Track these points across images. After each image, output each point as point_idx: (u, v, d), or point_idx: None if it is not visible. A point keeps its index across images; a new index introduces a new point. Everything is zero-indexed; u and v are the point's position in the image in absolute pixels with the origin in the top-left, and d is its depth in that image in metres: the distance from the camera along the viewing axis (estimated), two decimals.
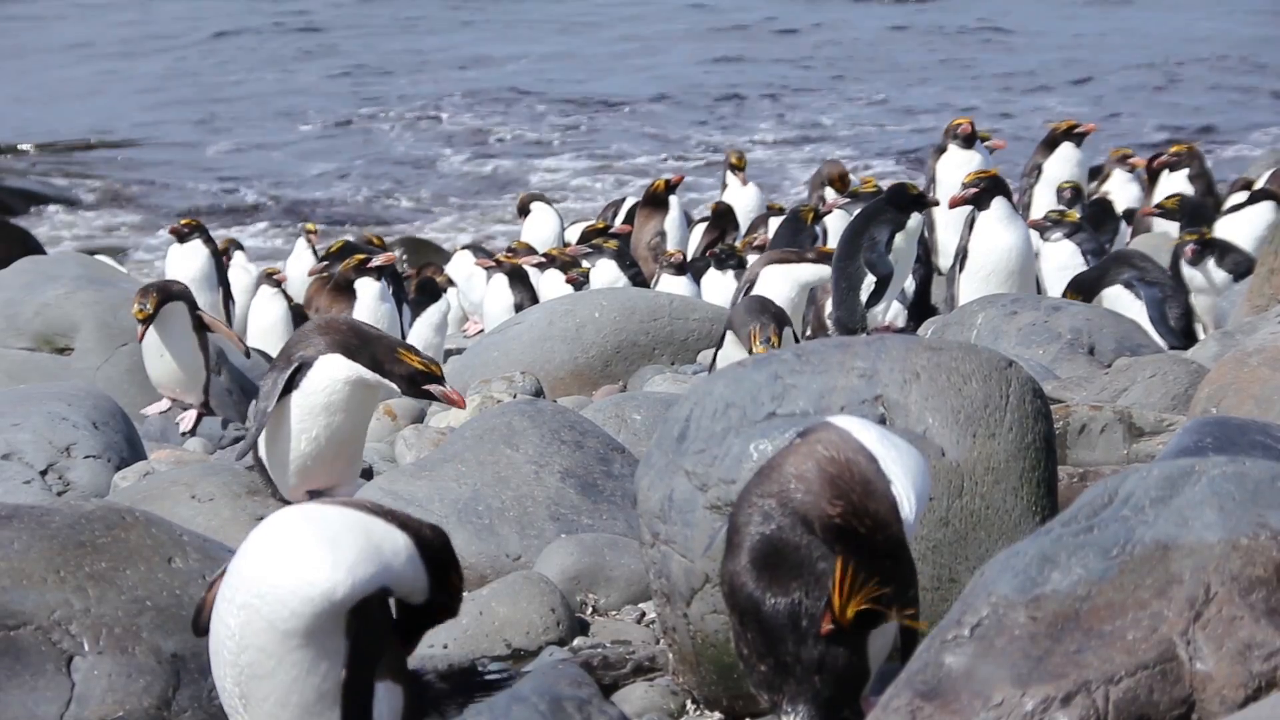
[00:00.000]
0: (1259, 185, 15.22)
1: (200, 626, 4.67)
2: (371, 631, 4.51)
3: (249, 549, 4.49)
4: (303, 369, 7.20)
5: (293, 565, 4.39)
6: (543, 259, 15.67)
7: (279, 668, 4.46)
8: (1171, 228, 13.93)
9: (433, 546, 4.57)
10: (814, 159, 26.50)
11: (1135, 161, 17.15)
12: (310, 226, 19.06)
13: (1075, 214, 12.31)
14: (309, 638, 4.42)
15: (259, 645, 4.45)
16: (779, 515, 4.41)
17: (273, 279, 16.47)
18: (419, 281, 16.52)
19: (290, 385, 7.19)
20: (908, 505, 4.34)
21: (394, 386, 7.11)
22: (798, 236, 15.18)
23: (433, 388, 7.12)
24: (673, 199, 17.08)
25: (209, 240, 15.92)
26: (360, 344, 7.13)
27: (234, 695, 4.56)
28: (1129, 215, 16.47)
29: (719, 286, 13.89)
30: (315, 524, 4.45)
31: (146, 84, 36.47)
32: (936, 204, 11.89)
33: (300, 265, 18.26)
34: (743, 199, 17.89)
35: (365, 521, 4.48)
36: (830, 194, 16.34)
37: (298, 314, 16.29)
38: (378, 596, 4.48)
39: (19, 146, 31.35)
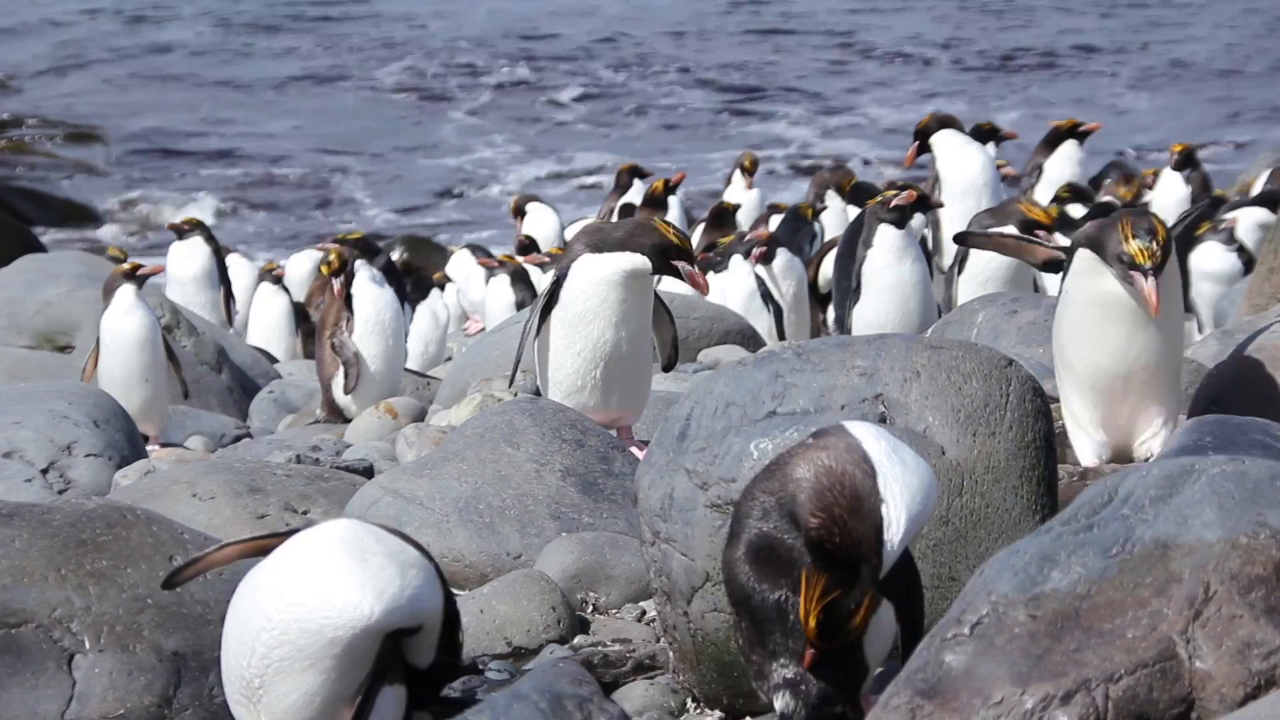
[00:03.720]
0: (1257, 189, 15.27)
1: (172, 583, 4.80)
2: (396, 649, 4.69)
3: (309, 551, 4.61)
4: (560, 282, 7.63)
5: (361, 581, 4.56)
6: (545, 258, 15.68)
7: (311, 670, 4.56)
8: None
9: (453, 602, 4.84)
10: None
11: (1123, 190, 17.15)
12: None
13: (1054, 211, 12.26)
14: (350, 649, 4.56)
15: (300, 645, 4.55)
16: (775, 514, 4.43)
17: (273, 275, 16.47)
18: (414, 278, 16.53)
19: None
20: (895, 528, 4.33)
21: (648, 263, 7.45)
22: (797, 235, 15.20)
23: (682, 265, 7.42)
24: (672, 199, 17.07)
25: (210, 238, 15.93)
26: (606, 236, 7.55)
27: (248, 684, 4.60)
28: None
29: (718, 285, 13.88)
30: (384, 545, 4.66)
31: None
32: (940, 206, 11.88)
33: (302, 264, 18.25)
34: (745, 200, 17.90)
35: (419, 559, 4.71)
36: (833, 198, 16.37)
37: (299, 311, 16.30)
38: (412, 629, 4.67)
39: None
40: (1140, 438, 6.42)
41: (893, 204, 10.69)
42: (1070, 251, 6.40)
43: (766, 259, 13.72)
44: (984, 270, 11.34)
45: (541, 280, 15.48)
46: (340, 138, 31.47)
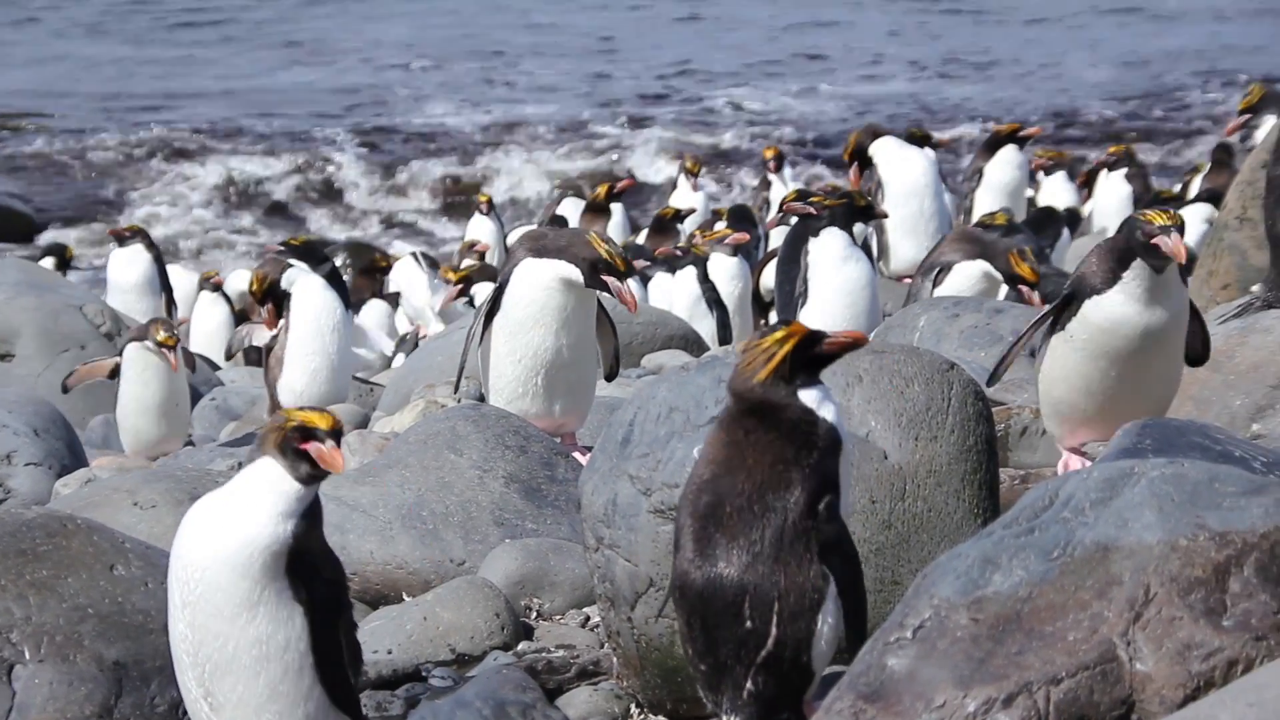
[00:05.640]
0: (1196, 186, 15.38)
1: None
2: (317, 596, 4.62)
3: (183, 544, 4.65)
4: (503, 288, 7.67)
5: (225, 533, 4.58)
6: (476, 263, 15.70)
7: (238, 648, 4.53)
8: (1113, 228, 14.01)
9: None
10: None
11: (1039, 163, 17.25)
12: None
13: (1004, 217, 12.32)
14: (259, 595, 4.56)
15: (215, 632, 4.51)
16: (707, 490, 4.49)
17: (211, 283, 16.43)
18: (355, 283, 16.50)
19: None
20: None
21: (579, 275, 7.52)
22: (749, 229, 15.32)
23: (611, 280, 7.47)
24: (615, 205, 17.07)
25: (151, 245, 15.86)
26: (549, 241, 7.59)
27: (200, 699, 4.60)
28: (1073, 218, 16.55)
29: (666, 290, 13.88)
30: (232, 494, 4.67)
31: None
32: (885, 216, 11.90)
33: (243, 276, 18.19)
34: (690, 204, 17.91)
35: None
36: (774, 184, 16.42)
37: (240, 319, 16.23)
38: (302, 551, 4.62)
39: None
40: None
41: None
42: (1077, 295, 6.39)
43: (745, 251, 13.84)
44: (961, 285, 11.39)
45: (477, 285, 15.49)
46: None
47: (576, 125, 30.81)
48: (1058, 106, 30.71)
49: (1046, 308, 6.59)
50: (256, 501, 4.59)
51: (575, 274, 7.50)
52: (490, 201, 19.67)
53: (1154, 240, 6.14)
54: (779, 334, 4.51)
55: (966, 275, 10.94)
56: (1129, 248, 6.24)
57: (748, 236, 14.11)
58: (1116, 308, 6.30)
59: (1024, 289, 10.50)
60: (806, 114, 31.28)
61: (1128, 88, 31.71)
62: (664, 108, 32.20)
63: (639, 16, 41.37)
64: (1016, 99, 31.25)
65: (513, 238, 18.12)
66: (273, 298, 10.58)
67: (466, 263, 16.54)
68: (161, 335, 9.87)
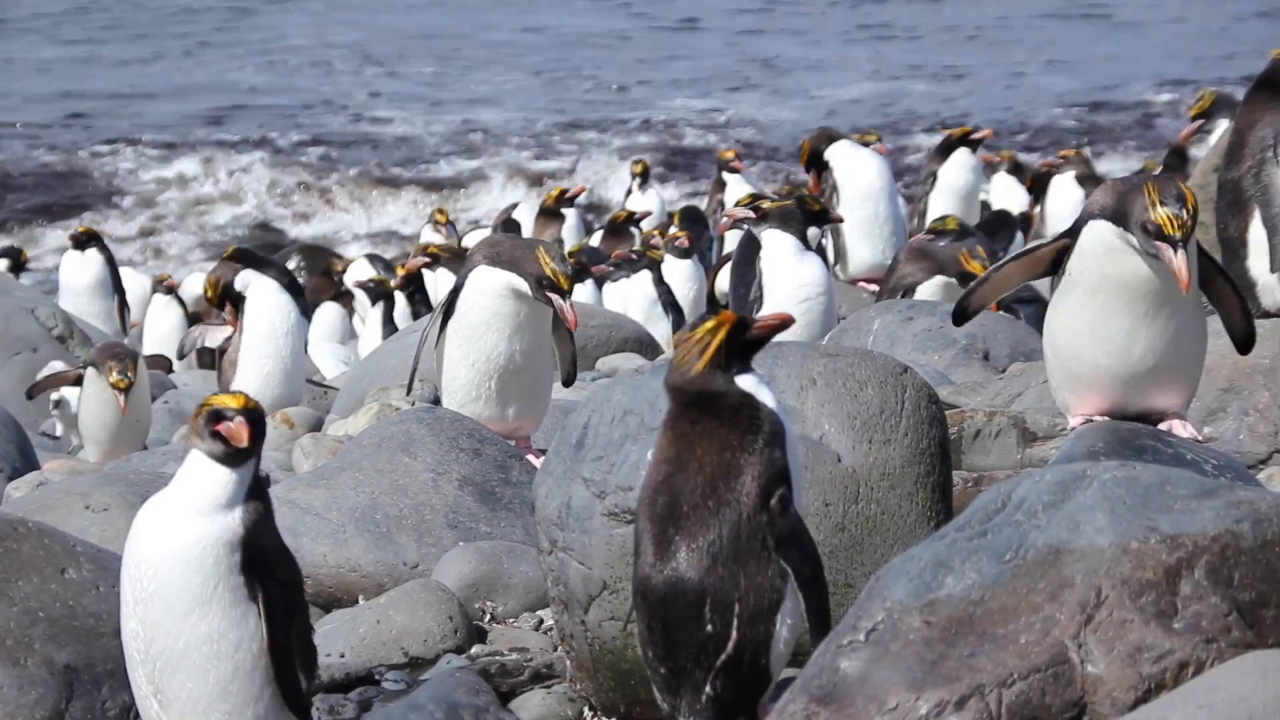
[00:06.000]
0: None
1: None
2: (272, 596, 4.65)
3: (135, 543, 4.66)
4: (457, 292, 7.66)
5: (175, 529, 4.61)
6: (429, 259, 15.69)
7: (190, 645, 4.52)
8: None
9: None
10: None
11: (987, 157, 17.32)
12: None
13: (955, 221, 12.35)
14: (211, 591, 4.58)
15: (167, 629, 4.51)
16: (662, 490, 4.48)
17: (164, 286, 16.39)
18: (311, 285, 16.47)
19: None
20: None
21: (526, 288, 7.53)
22: (701, 232, 15.36)
23: (554, 298, 7.48)
24: (569, 210, 17.08)
25: (103, 248, 15.82)
26: (504, 250, 7.60)
27: (150, 695, 4.59)
28: (1025, 221, 16.60)
29: (622, 293, 13.90)
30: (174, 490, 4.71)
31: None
32: (840, 220, 11.92)
33: (198, 280, 18.15)
34: (646, 207, 17.93)
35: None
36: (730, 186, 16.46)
37: (193, 322, 16.19)
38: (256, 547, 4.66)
39: None
40: (1151, 415, 5.94)
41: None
42: (1077, 228, 5.82)
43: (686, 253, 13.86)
44: (925, 291, 11.45)
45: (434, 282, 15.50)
46: None
47: (534, 132, 30.80)
48: (1015, 112, 30.82)
49: (1041, 241, 5.96)
50: (195, 493, 4.63)
51: (524, 286, 7.53)
52: (447, 218, 19.48)
53: (1158, 243, 5.58)
54: (709, 324, 4.53)
55: (931, 295, 11.04)
56: (1129, 207, 5.67)
57: (686, 238, 14.12)
58: (1114, 234, 5.70)
59: None
60: (764, 120, 31.33)
61: (1082, 93, 31.83)
62: (622, 113, 32.21)
63: (599, 23, 41.34)
64: (976, 105, 31.34)
65: (469, 241, 18.10)
66: (229, 299, 10.58)
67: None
68: (114, 378, 9.96)
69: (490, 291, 7.56)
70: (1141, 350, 5.79)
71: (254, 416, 4.62)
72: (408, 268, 16.23)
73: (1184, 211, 5.59)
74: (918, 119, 30.33)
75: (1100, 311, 5.77)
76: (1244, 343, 6.04)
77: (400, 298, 16.02)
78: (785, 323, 4.57)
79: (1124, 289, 5.75)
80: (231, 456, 4.62)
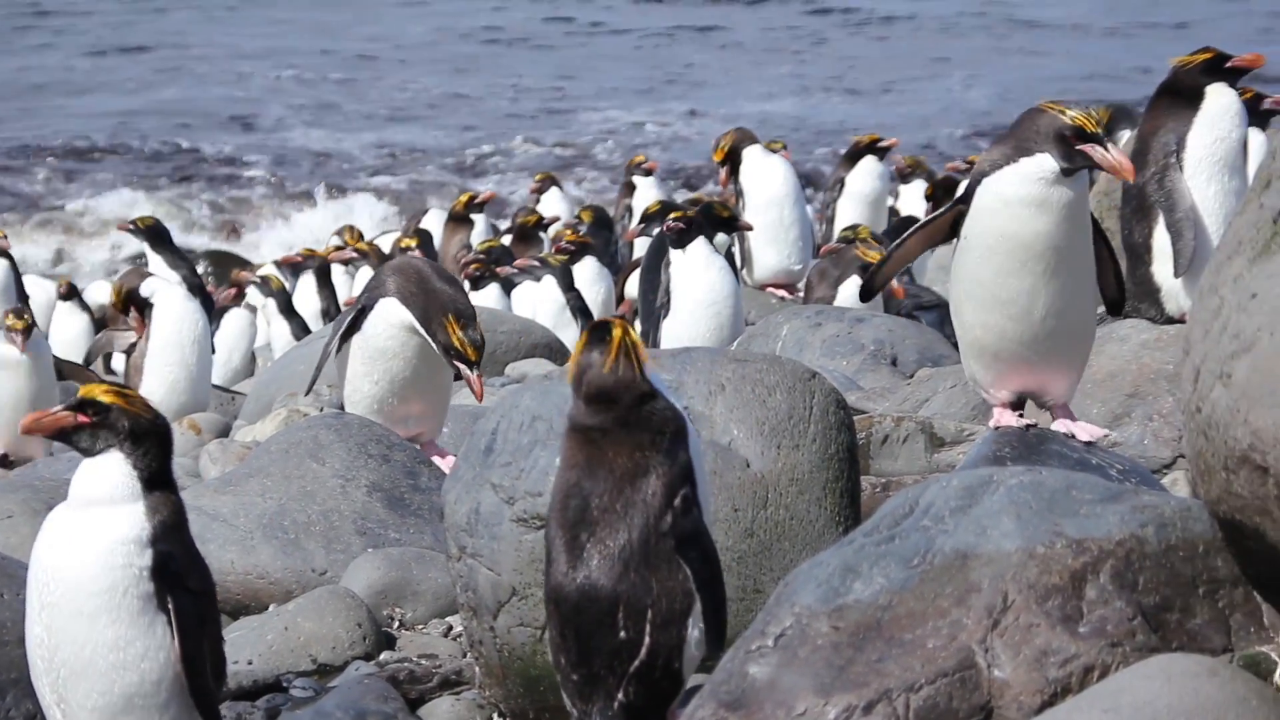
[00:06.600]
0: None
1: None
2: (182, 606, 4.59)
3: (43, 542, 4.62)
4: (365, 311, 7.64)
5: (81, 527, 4.57)
6: (353, 254, 15.69)
7: (95, 652, 4.49)
8: None
9: None
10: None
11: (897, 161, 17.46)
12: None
13: (865, 230, 12.44)
14: (119, 596, 4.52)
15: (72, 635, 4.47)
16: (574, 494, 4.47)
17: (65, 289, 16.29)
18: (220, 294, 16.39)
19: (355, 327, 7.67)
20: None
21: (434, 347, 7.52)
22: (605, 237, 15.38)
23: (461, 368, 7.46)
24: (477, 216, 17.03)
25: (5, 254, 15.65)
26: (419, 294, 7.53)
27: (54, 704, 4.55)
28: None
29: (529, 298, 13.87)
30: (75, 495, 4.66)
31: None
32: (749, 228, 11.96)
33: (103, 288, 18.01)
34: (554, 213, 17.92)
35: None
36: (641, 190, 16.48)
37: (99, 328, 16.06)
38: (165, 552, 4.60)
39: None
40: (1046, 396, 5.96)
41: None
42: (969, 192, 5.77)
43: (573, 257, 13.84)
44: (843, 297, 11.52)
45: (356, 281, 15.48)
46: None
47: (449, 142, 30.77)
48: (930, 125, 31.03)
49: (940, 210, 5.93)
50: (93, 493, 4.60)
51: (430, 341, 7.50)
52: (357, 239, 19.16)
53: (1082, 148, 5.54)
54: (616, 331, 4.52)
55: (850, 299, 11.13)
56: (1034, 137, 5.63)
57: (578, 238, 14.16)
58: (1007, 187, 5.64)
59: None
60: (682, 132, 31.42)
61: (999, 108, 32.04)
62: (538, 125, 32.22)
63: (517, 34, 41.32)
64: (896, 118, 31.49)
65: (383, 242, 18.01)
66: (134, 305, 10.51)
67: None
68: (10, 321, 9.74)
69: (398, 324, 7.56)
70: (1043, 310, 5.76)
71: (88, 402, 4.63)
72: (332, 256, 16.17)
73: (1090, 110, 5.61)
74: (834, 134, 30.47)
75: (999, 273, 5.75)
76: (1114, 305, 6.08)
77: (306, 282, 16.02)
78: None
79: (1021, 247, 5.71)
80: (85, 450, 4.62)
